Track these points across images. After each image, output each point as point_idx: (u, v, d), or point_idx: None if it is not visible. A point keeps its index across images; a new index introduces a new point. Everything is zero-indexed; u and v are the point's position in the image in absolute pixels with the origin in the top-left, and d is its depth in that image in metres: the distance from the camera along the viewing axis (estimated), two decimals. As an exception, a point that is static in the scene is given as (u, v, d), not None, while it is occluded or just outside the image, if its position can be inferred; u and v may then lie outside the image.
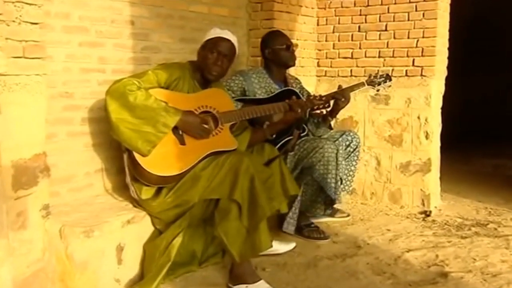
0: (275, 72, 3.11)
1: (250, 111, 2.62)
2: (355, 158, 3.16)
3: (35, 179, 1.98)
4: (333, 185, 2.89)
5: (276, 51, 3.06)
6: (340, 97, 2.94)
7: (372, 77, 3.04)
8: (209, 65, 2.51)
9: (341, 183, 3.02)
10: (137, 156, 2.30)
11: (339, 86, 3.00)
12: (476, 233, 3.09)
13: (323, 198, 3.02)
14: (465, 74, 6.63)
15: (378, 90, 3.12)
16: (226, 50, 2.54)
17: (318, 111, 2.77)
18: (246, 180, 2.29)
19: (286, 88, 3.08)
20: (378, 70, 3.69)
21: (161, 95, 2.36)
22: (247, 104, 2.85)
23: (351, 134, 3.17)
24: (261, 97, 2.98)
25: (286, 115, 2.69)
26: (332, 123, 3.24)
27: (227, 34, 2.57)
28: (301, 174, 2.95)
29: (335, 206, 3.18)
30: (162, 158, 2.32)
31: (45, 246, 2.05)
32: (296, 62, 3.22)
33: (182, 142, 2.39)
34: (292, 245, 2.78)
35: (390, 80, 3.05)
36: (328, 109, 2.75)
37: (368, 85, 3.03)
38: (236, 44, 2.60)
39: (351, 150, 3.13)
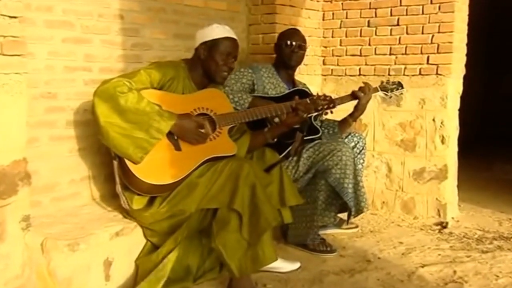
0: (282, 70, 3.18)
1: (250, 113, 2.62)
2: (361, 161, 3.18)
3: (14, 187, 1.97)
4: (350, 190, 2.89)
5: (279, 47, 3.16)
6: (360, 94, 3.00)
7: (384, 83, 3.14)
8: (220, 68, 2.54)
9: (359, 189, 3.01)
10: (128, 163, 2.29)
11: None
12: (499, 247, 3.07)
13: (337, 206, 3.02)
14: (486, 72, 6.63)
15: (390, 97, 3.22)
16: (235, 51, 2.60)
17: (322, 112, 2.76)
18: (246, 188, 2.29)
19: (297, 88, 3.12)
20: (389, 69, 3.69)
21: (154, 96, 2.36)
22: (256, 99, 2.89)
23: (357, 135, 3.22)
24: (271, 95, 3.01)
25: (288, 117, 2.69)
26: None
27: (230, 32, 2.59)
28: (314, 178, 2.96)
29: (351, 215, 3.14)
30: (156, 165, 2.31)
31: (25, 261, 2.04)
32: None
33: (178, 148, 2.38)
34: (296, 265, 2.73)
35: (402, 87, 3.15)
36: (333, 109, 2.76)
37: (381, 90, 3.12)
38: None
39: (357, 151, 3.16)
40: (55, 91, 2.52)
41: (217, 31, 2.56)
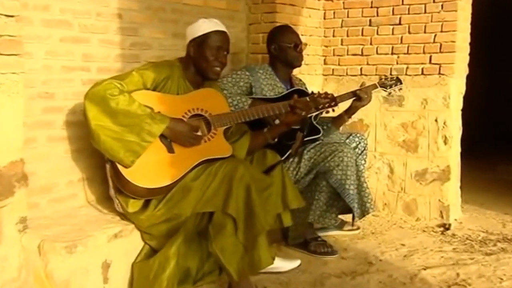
0: (280, 70, 3.16)
1: (247, 113, 2.61)
2: (363, 162, 3.17)
3: (11, 189, 1.97)
4: (352, 191, 2.89)
5: (283, 48, 3.11)
6: (363, 95, 2.99)
7: (383, 79, 3.13)
8: (211, 64, 2.52)
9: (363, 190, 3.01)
10: (120, 167, 2.28)
11: (362, 83, 3.10)
12: (503, 249, 3.06)
13: (338, 208, 3.01)
14: (489, 72, 6.63)
15: (389, 93, 3.20)
16: (226, 44, 2.56)
17: (323, 111, 2.75)
18: (241, 190, 2.28)
19: (296, 88, 3.11)
20: (390, 69, 3.69)
21: (148, 98, 2.35)
22: (256, 102, 2.88)
23: (358, 135, 3.21)
24: (269, 96, 3.00)
25: (287, 116, 2.68)
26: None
27: (220, 26, 2.57)
28: (315, 179, 2.96)
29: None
30: (149, 169, 2.30)
31: (22, 263, 2.04)
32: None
33: (171, 150, 2.37)
34: (296, 263, 2.76)
35: (401, 83, 3.14)
36: (335, 108, 2.75)
37: (380, 87, 3.11)
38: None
39: (359, 152, 3.15)
40: (53, 91, 2.51)
41: (204, 26, 2.54)
